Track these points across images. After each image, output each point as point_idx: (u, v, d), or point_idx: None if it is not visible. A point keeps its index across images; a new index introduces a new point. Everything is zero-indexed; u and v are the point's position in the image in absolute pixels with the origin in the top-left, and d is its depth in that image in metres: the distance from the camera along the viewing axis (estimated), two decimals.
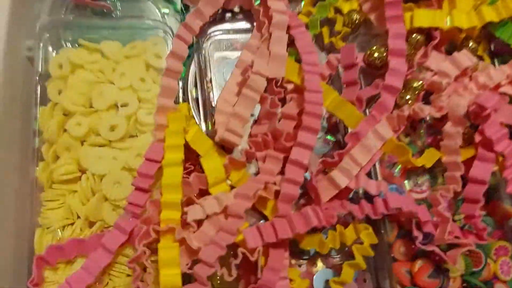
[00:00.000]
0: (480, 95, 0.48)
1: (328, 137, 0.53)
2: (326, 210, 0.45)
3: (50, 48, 0.53)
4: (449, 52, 0.53)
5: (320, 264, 0.49)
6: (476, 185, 0.47)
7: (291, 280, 0.45)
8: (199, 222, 0.45)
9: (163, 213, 0.44)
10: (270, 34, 0.49)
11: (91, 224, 0.47)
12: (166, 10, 0.56)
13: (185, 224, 0.45)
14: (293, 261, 0.49)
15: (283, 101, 0.49)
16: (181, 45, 0.49)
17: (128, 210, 0.45)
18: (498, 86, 0.51)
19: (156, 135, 0.47)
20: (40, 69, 0.51)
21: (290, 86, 0.50)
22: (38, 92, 0.50)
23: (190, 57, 0.54)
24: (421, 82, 0.50)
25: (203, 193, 0.47)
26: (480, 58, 0.54)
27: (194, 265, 0.43)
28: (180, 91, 0.53)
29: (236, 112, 0.47)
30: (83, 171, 0.48)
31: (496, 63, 0.55)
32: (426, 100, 0.51)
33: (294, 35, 0.51)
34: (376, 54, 0.50)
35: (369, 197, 0.47)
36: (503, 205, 0.51)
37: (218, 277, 0.48)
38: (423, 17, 0.51)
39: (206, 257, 0.42)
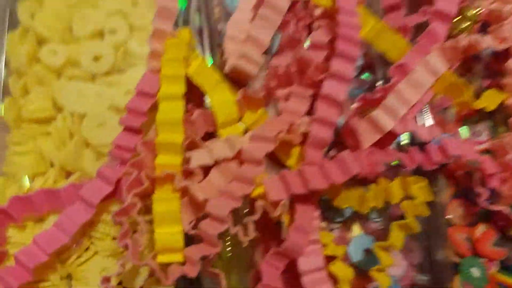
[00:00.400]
0: None
1: (365, 76, 0.43)
2: (369, 156, 0.35)
3: None
4: None
5: (356, 229, 0.39)
6: None
7: (323, 245, 0.35)
8: (205, 170, 0.35)
9: (159, 157, 0.34)
10: None
11: (68, 175, 0.37)
12: None
13: (187, 173, 0.35)
14: (323, 225, 0.39)
15: (309, 31, 0.40)
16: None
17: (114, 154, 0.36)
18: None
19: (150, 64, 0.37)
20: None
21: (317, 11, 0.41)
22: (7, 14, 0.41)
23: None
24: (478, 9, 0.41)
25: (210, 137, 0.37)
26: None
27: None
28: (181, 20, 0.43)
29: (252, 35, 0.37)
30: (59, 110, 0.38)
31: None
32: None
33: None
34: None
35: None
36: None
37: (228, 244, 0.37)
38: None
39: (216, 209, 0.32)
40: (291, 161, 0.37)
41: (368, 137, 0.37)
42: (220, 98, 0.36)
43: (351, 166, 0.34)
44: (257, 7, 0.40)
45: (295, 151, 0.37)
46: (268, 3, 0.37)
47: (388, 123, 0.36)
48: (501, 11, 0.41)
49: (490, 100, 0.40)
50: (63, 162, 0.37)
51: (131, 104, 0.36)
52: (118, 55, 0.40)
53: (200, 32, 0.43)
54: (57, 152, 0.37)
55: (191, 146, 0.36)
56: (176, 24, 0.42)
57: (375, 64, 0.43)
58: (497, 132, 0.41)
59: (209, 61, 0.41)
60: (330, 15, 0.39)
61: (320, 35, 0.39)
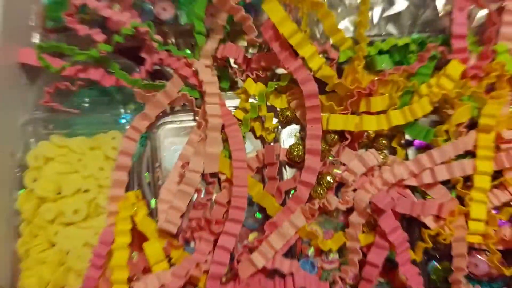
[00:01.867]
0: (375, 196, 0.58)
1: (257, 215, 0.63)
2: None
3: (32, 140, 0.64)
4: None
5: None
6: (371, 268, 0.57)
7: None
8: None
9: None
10: (206, 136, 0.60)
11: None
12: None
13: None
14: None
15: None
16: (129, 144, 0.60)
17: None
18: (401, 180, 0.61)
19: (108, 220, 0.58)
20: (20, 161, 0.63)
21: (223, 177, 0.61)
22: (18, 179, 0.62)
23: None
24: (333, 177, 0.60)
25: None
26: (394, 149, 0.63)
27: None
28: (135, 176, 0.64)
29: (174, 206, 0.57)
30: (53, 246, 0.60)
31: (410, 153, 0.64)
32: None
33: (227, 133, 0.61)
34: (295, 152, 0.60)
35: None
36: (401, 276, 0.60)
37: None
38: (336, 121, 0.60)
39: None
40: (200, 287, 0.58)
41: (247, 271, 0.57)
42: (152, 245, 0.57)
43: None
44: (181, 176, 0.60)
45: (203, 279, 0.58)
46: (185, 182, 0.58)
47: (260, 262, 0.57)
48: (348, 180, 0.60)
49: (336, 242, 0.59)
50: (55, 281, 0.58)
51: (95, 250, 0.57)
52: (91, 207, 0.60)
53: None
54: (51, 274, 0.59)
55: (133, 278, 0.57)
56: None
57: None
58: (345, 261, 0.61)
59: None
60: (231, 180, 0.60)
61: (222, 196, 0.59)
